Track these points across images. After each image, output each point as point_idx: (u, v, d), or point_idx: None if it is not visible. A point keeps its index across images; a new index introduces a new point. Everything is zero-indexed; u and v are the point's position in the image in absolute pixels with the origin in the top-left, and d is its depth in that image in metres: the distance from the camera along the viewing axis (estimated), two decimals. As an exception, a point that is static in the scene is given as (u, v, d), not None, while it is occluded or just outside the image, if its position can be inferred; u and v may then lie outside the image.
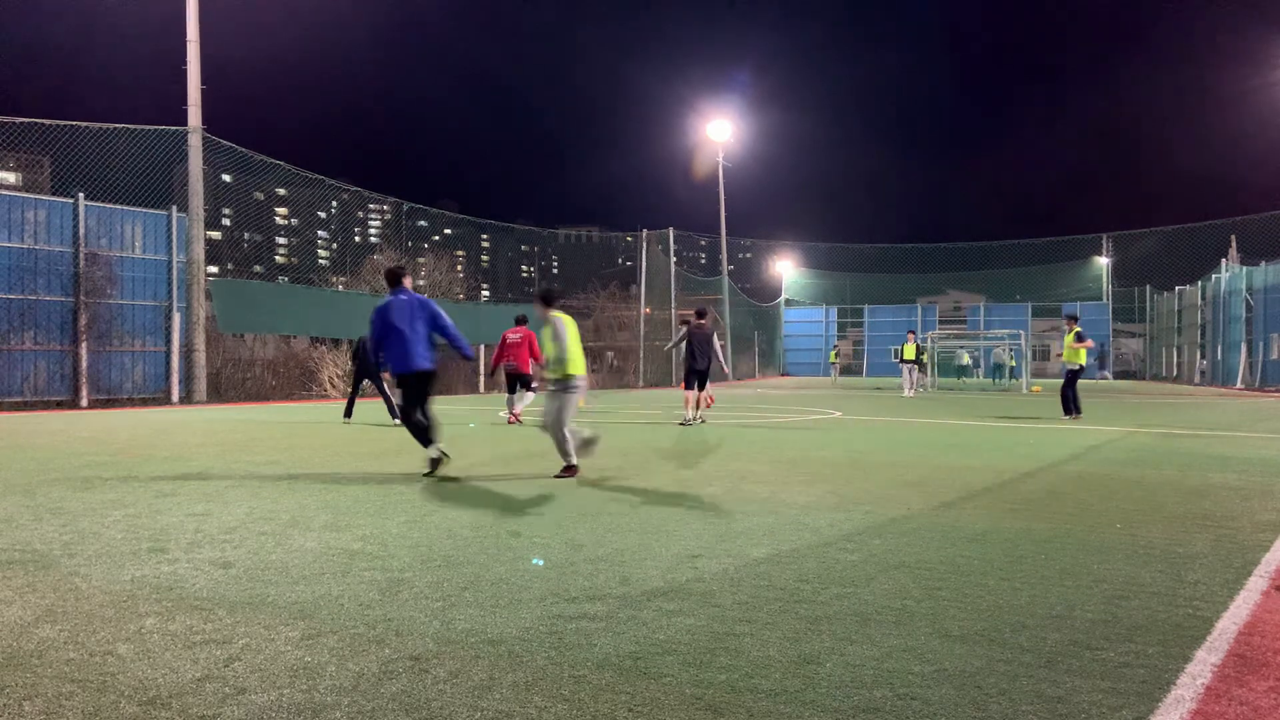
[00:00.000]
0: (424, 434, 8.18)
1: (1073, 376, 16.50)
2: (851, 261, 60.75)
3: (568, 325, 8.23)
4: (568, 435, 8.07)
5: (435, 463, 8.09)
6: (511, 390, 14.66)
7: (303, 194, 33.63)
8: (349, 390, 15.95)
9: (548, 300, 8.48)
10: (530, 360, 14.35)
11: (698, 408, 14.52)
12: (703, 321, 14.69)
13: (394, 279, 8.59)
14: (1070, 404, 16.14)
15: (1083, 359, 16.58)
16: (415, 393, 8.31)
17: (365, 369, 15.41)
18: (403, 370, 8.25)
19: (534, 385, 14.67)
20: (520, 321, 14.81)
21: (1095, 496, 6.95)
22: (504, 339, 14.56)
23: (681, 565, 4.63)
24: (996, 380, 41.25)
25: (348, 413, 15.18)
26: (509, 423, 14.23)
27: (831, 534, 5.44)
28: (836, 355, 45.86)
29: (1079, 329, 16.95)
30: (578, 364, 8.19)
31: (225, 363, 24.87)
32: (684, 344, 14.56)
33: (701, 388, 14.54)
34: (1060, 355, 17.31)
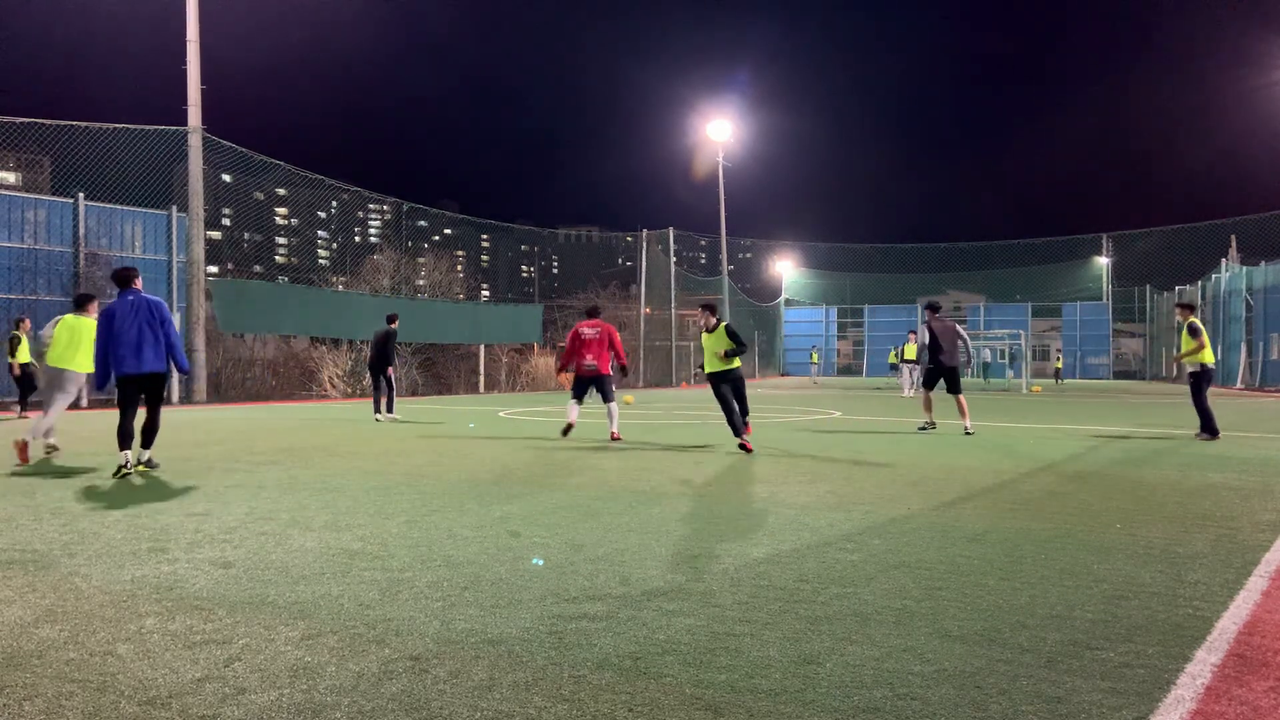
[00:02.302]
0: (128, 439, 8.14)
1: (1198, 381, 12.19)
2: (851, 261, 60.84)
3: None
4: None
5: (150, 464, 8.34)
6: (581, 394, 11.66)
7: (303, 194, 33.66)
8: (374, 390, 16.50)
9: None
10: (611, 360, 11.70)
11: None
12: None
13: (123, 280, 8.34)
14: (1208, 418, 11.93)
15: (1207, 358, 12.12)
16: (130, 396, 8.23)
17: (375, 365, 16.12)
18: (130, 372, 8.11)
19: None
20: (593, 314, 12.13)
21: (1095, 496, 6.95)
22: (577, 333, 11.80)
23: (681, 565, 4.63)
24: (989, 380, 41.33)
25: (377, 409, 15.74)
26: (613, 439, 11.49)
27: (831, 534, 5.44)
28: (817, 356, 46.15)
29: (1194, 319, 12.26)
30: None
31: (225, 362, 24.90)
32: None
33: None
34: (1179, 355, 12.61)
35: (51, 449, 9.93)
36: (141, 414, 8.33)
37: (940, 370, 13.10)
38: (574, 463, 9.03)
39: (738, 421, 10.26)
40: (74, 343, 9.45)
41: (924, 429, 13.16)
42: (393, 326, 16.56)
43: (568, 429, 11.40)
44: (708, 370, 10.70)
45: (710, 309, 10.87)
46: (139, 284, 8.44)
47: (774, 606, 3.88)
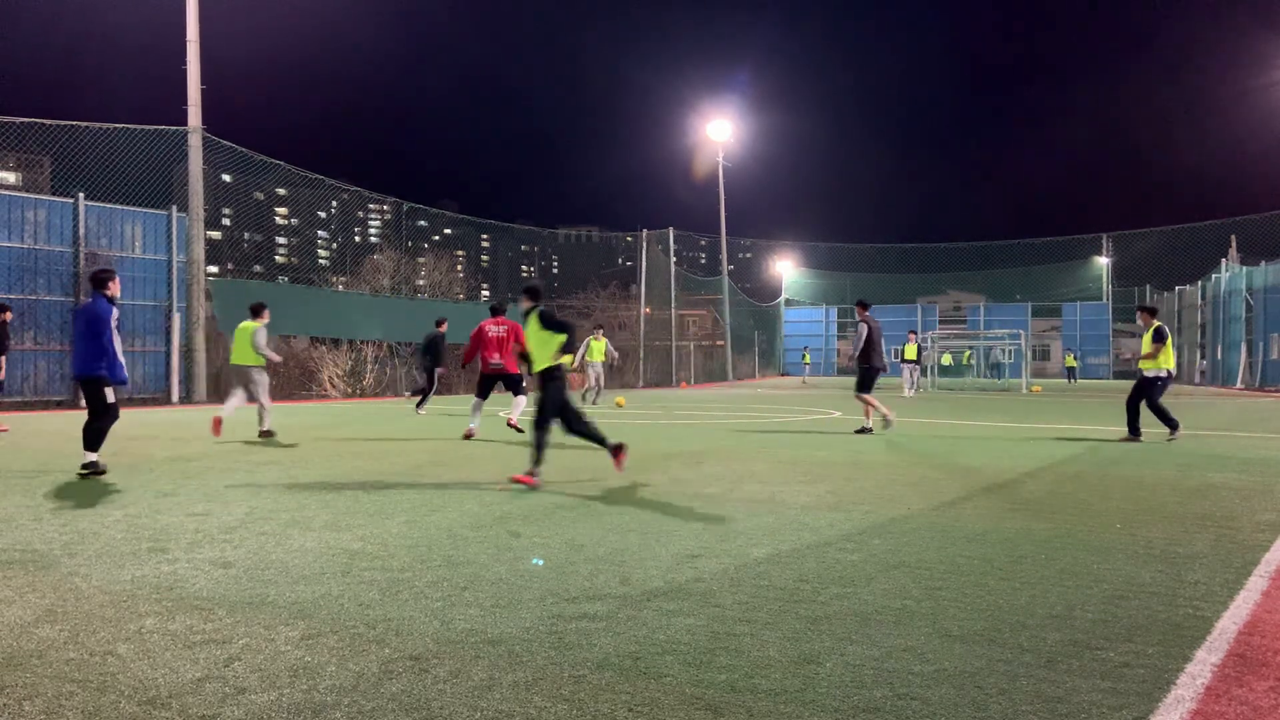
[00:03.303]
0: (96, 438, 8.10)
1: (1147, 385, 11.77)
2: (851, 261, 60.85)
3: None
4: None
5: (91, 466, 8.00)
6: (484, 395, 12.11)
7: (303, 194, 33.64)
8: (423, 385, 17.89)
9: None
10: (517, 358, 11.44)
11: None
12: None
13: (97, 283, 8.27)
14: (1165, 417, 11.62)
15: (1167, 363, 11.72)
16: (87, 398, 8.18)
17: (427, 365, 17.81)
18: (78, 375, 8.17)
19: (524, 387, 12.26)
20: (496, 311, 12.31)
21: (1095, 496, 6.95)
22: (482, 330, 11.97)
23: (681, 565, 4.63)
24: (998, 378, 41.41)
25: (421, 404, 17.24)
26: (508, 425, 12.06)
27: (831, 534, 5.44)
28: (809, 356, 46.38)
29: (1158, 323, 11.88)
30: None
31: (225, 363, 24.88)
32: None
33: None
34: (1140, 357, 12.15)
35: (266, 434, 11.76)
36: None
37: (875, 371, 12.80)
38: (573, 463, 9.03)
39: (594, 431, 7.91)
40: (240, 344, 12.16)
41: (886, 426, 12.81)
42: (441, 329, 18.12)
43: (467, 435, 11.69)
44: (536, 368, 7.95)
45: (529, 292, 8.38)
46: (112, 288, 8.21)
47: (774, 606, 3.88)
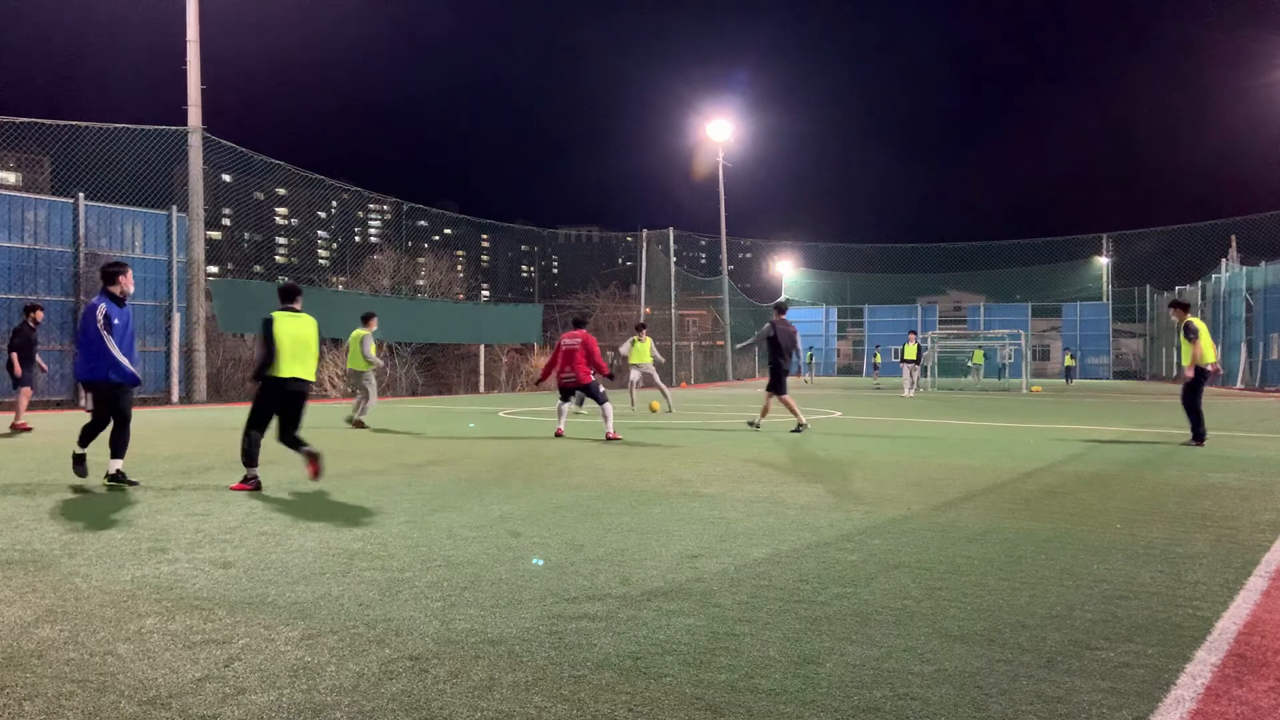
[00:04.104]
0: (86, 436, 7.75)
1: (1189, 383, 11.23)
2: (851, 261, 60.87)
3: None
4: None
5: (118, 476, 7.43)
6: (565, 399, 12.41)
7: (303, 194, 33.67)
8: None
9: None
10: (591, 370, 11.91)
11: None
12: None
13: (103, 278, 7.84)
14: (1197, 419, 11.12)
15: (1201, 359, 11.12)
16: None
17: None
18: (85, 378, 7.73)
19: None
20: (578, 324, 12.60)
21: (1095, 496, 6.95)
22: (558, 346, 12.23)
23: (681, 565, 4.63)
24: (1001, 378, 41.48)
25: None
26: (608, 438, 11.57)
27: (831, 534, 5.44)
28: (812, 357, 46.45)
29: (1189, 319, 11.31)
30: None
31: (225, 362, 24.89)
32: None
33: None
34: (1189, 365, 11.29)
35: (357, 424, 13.45)
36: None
37: (783, 371, 12.93)
38: (574, 463, 9.03)
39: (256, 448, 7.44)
40: (352, 350, 13.89)
41: (799, 429, 12.70)
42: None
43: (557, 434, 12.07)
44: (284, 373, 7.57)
45: (287, 291, 8.00)
46: (124, 284, 7.81)
47: (774, 606, 3.88)
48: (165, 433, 12.52)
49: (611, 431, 11.67)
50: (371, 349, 13.73)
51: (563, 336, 12.30)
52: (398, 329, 27.20)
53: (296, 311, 7.84)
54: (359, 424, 13.45)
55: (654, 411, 18.31)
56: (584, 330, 12.32)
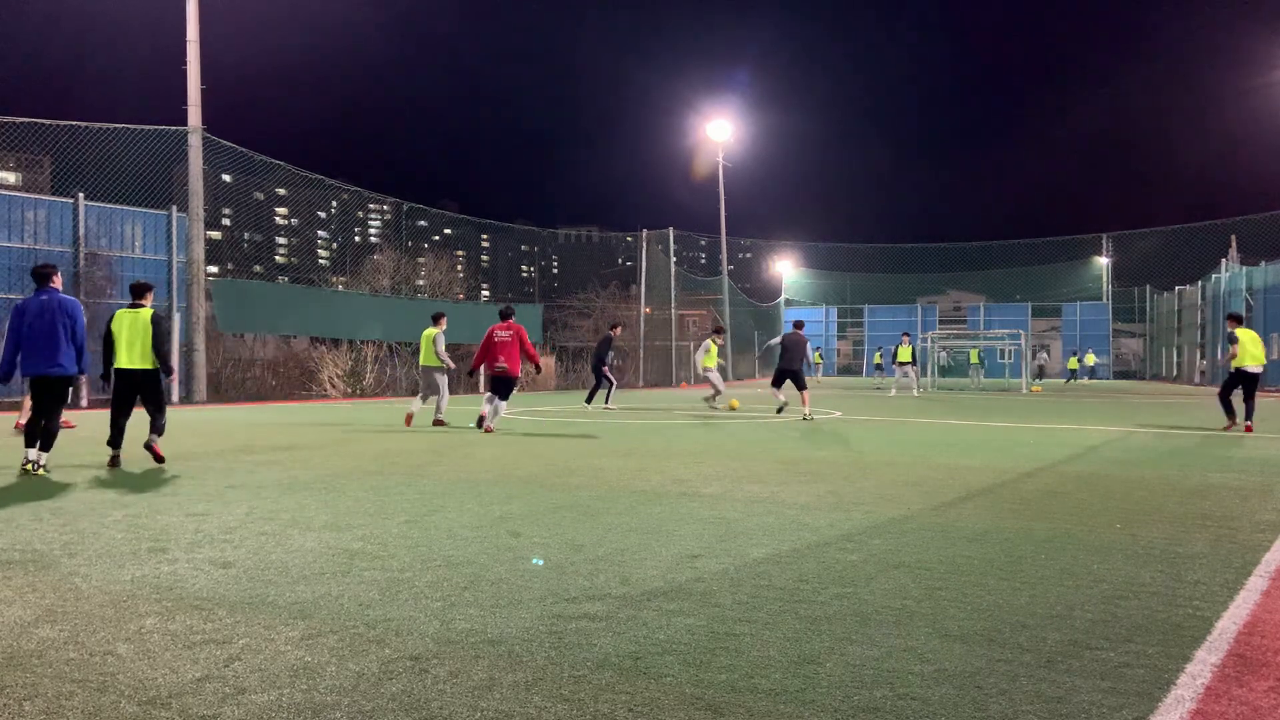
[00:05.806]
0: (48, 438, 8.15)
1: (1227, 381, 13.57)
2: (851, 261, 60.85)
3: None
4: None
5: (30, 465, 8.01)
6: (494, 392, 12.77)
7: (303, 194, 33.66)
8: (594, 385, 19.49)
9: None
10: (522, 361, 12.85)
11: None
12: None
13: (40, 278, 8.34)
14: (1227, 410, 13.35)
15: (1237, 361, 13.20)
16: (47, 398, 8.15)
17: (594, 365, 19.55)
18: (35, 373, 8.10)
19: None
20: (506, 315, 13.14)
21: (1095, 496, 6.95)
22: (490, 335, 12.93)
23: (681, 565, 4.63)
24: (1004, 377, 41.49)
25: (590, 400, 19.47)
26: (485, 431, 12.40)
27: (831, 534, 5.44)
28: (819, 356, 46.56)
29: (1233, 329, 13.51)
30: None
31: (225, 363, 24.89)
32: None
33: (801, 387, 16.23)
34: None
35: (438, 423, 13.75)
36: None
37: (786, 372, 16.41)
38: (574, 463, 9.04)
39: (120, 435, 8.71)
40: (425, 349, 14.21)
41: (780, 410, 16.60)
42: (611, 333, 20.14)
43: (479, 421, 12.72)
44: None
45: (136, 288, 8.93)
46: (57, 282, 8.49)
47: (774, 606, 3.88)
48: (166, 433, 12.49)
49: (490, 425, 12.54)
50: (442, 346, 14.04)
51: (494, 328, 12.98)
52: (398, 329, 27.21)
53: (139, 307, 8.70)
54: (438, 422, 13.71)
55: (734, 409, 18.77)
56: (513, 320, 13.12)
